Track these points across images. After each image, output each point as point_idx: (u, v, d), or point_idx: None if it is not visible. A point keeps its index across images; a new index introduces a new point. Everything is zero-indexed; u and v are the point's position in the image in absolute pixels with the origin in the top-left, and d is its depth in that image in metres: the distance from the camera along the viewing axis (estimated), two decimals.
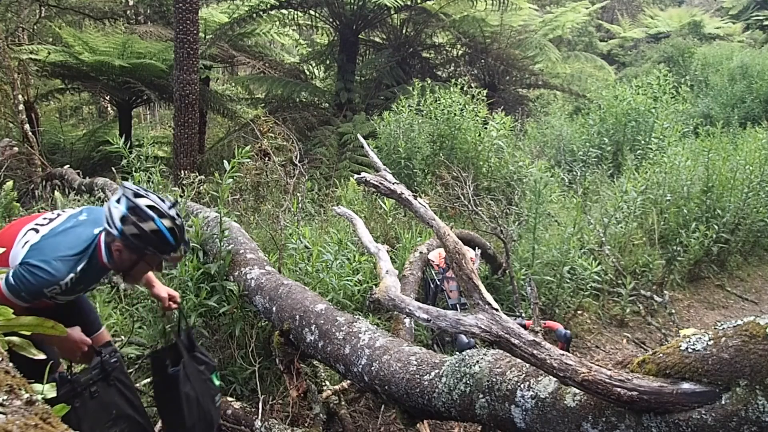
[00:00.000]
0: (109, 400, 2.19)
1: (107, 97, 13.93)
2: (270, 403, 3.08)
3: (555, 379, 1.59)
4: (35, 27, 13.91)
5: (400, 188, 2.28)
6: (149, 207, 1.99)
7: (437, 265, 3.96)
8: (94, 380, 2.15)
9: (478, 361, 1.94)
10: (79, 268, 1.97)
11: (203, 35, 10.73)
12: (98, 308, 3.05)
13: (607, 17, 27.05)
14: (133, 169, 4.29)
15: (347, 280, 3.44)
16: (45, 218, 2.12)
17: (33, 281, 1.88)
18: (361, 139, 3.13)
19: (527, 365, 1.75)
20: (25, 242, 1.99)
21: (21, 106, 9.04)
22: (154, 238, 1.98)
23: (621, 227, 5.35)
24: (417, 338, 3.58)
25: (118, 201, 2.00)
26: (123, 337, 3.27)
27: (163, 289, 2.55)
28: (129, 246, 1.99)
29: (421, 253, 3.97)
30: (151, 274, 2.51)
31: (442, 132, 6.84)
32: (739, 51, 14.27)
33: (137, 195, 2.01)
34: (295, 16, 11.88)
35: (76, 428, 2.08)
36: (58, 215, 2.14)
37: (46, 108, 14.50)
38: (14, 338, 1.17)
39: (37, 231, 2.04)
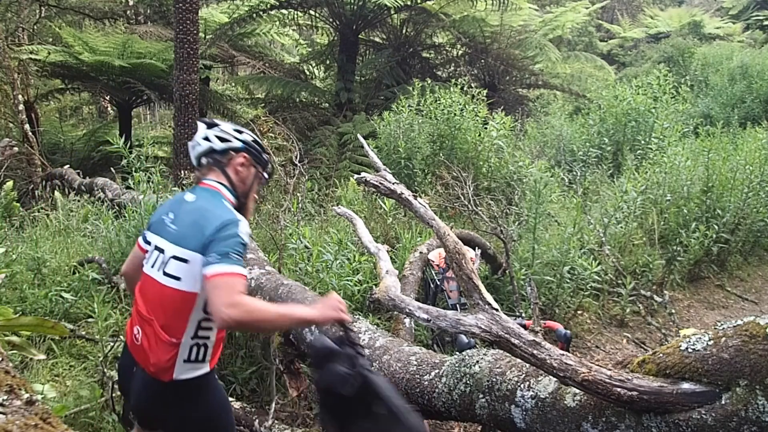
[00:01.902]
0: (377, 386, 1.58)
1: (107, 97, 13.94)
2: (270, 403, 3.08)
3: (555, 379, 1.59)
4: (35, 27, 13.90)
5: (400, 188, 2.28)
6: None
7: (437, 265, 3.95)
8: (358, 353, 1.68)
9: (478, 361, 1.94)
10: (231, 207, 1.84)
11: (203, 35, 10.73)
12: (97, 308, 3.04)
13: (607, 17, 27.04)
14: (133, 169, 4.28)
15: (347, 280, 3.44)
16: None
17: (232, 233, 1.74)
18: (361, 139, 3.13)
19: (527, 365, 1.75)
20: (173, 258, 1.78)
21: (21, 106, 9.05)
22: (261, 147, 1.98)
23: (621, 227, 5.35)
24: (417, 338, 3.58)
25: (211, 127, 1.89)
26: (122, 336, 3.26)
27: None
28: (253, 155, 1.93)
29: (421, 253, 3.97)
30: None
31: (442, 132, 6.83)
32: (739, 51, 14.24)
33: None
34: (295, 16, 11.89)
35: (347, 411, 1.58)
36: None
37: (46, 108, 14.50)
38: (14, 338, 1.17)
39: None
